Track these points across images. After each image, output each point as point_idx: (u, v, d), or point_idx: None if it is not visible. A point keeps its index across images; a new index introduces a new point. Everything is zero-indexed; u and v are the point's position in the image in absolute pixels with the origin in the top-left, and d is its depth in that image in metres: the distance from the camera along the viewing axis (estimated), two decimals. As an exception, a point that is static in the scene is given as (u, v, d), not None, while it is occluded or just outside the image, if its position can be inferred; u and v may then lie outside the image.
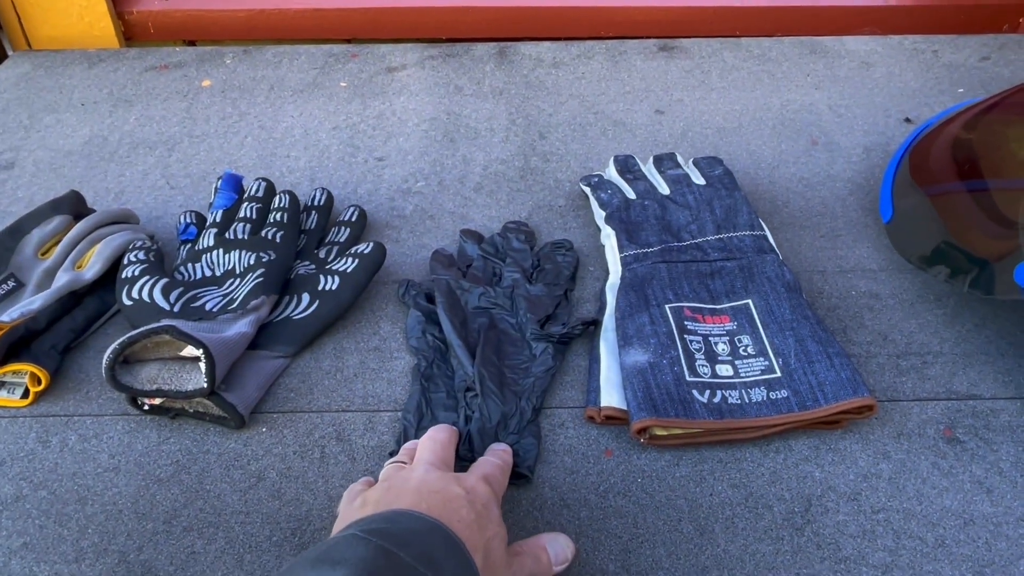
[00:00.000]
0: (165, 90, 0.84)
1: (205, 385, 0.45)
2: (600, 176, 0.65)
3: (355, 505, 0.38)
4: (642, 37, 0.94)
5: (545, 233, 0.64)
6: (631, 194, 0.62)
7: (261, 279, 0.53)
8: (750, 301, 0.53)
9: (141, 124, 0.78)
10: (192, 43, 1.00)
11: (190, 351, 0.46)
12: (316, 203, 0.63)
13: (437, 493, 0.37)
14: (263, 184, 0.61)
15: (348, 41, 0.97)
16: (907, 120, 0.77)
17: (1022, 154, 0.53)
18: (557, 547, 0.40)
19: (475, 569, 0.33)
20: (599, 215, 0.62)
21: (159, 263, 0.56)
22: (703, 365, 0.49)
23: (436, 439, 0.42)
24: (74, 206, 0.58)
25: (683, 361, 0.49)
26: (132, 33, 0.97)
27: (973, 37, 0.92)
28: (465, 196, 0.68)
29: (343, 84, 0.84)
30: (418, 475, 0.39)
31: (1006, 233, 0.50)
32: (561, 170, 0.71)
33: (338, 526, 0.38)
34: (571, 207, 0.67)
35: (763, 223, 0.59)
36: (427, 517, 0.35)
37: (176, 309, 0.51)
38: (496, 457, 0.43)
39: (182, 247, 0.59)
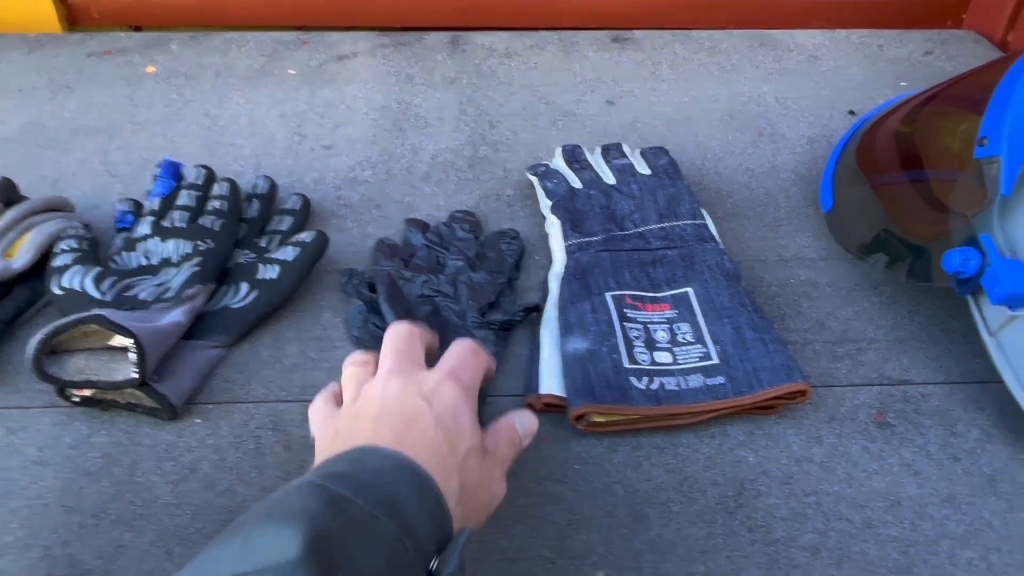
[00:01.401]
0: (108, 76, 0.82)
1: (135, 376, 0.45)
2: (547, 166, 0.65)
3: (328, 437, 0.37)
4: (595, 28, 0.94)
5: (492, 222, 0.64)
6: (577, 183, 0.63)
7: (198, 268, 0.52)
8: (690, 289, 0.54)
9: (82, 111, 0.76)
10: (138, 28, 0.97)
11: (119, 341, 0.45)
12: (258, 191, 0.62)
13: (399, 415, 0.35)
14: (203, 172, 0.60)
15: (300, 28, 0.96)
16: (851, 112, 0.78)
17: (954, 145, 0.54)
18: (524, 421, 0.40)
19: (444, 505, 0.32)
20: (545, 204, 0.62)
21: (93, 252, 0.54)
22: (642, 352, 0.50)
23: (395, 333, 0.40)
24: (3, 193, 0.57)
25: (622, 348, 0.49)
26: (75, 18, 0.95)
27: (917, 32, 0.93)
28: (413, 185, 0.68)
29: (292, 71, 0.83)
30: (378, 393, 0.37)
31: (937, 222, 0.51)
32: (510, 160, 0.71)
33: (317, 455, 0.37)
34: (519, 196, 0.67)
35: (705, 212, 0.60)
36: (391, 453, 0.33)
37: (108, 299, 0.50)
38: (468, 341, 0.41)
39: (118, 236, 0.58)
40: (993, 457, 0.47)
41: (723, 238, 0.62)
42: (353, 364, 0.41)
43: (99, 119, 0.75)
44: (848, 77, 0.85)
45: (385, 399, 0.37)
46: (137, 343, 0.44)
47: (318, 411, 0.40)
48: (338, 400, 0.41)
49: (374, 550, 0.29)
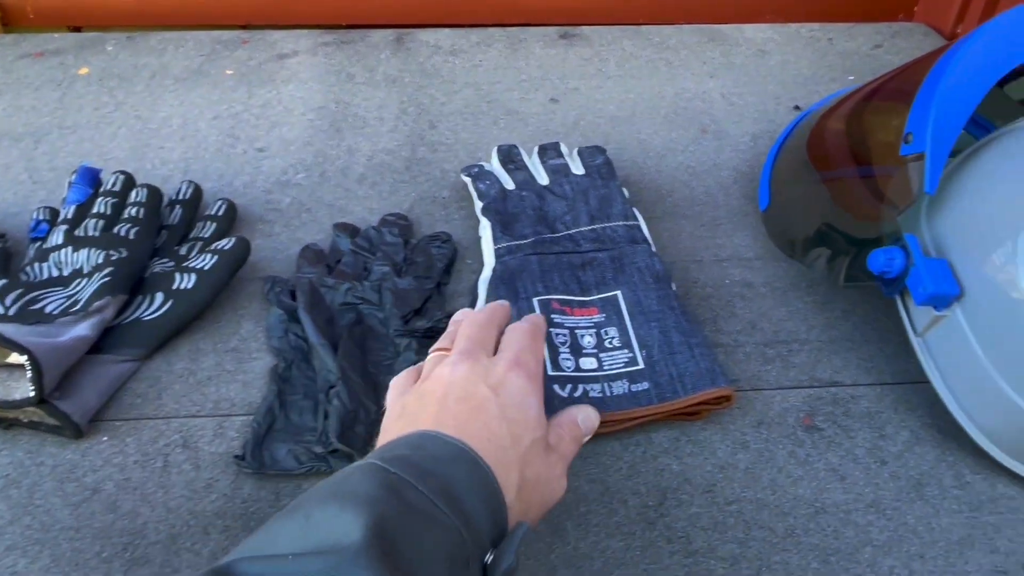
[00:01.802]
0: (38, 79, 0.79)
1: (32, 394, 0.43)
2: (481, 166, 0.64)
3: (395, 413, 0.37)
4: (545, 24, 0.92)
5: (426, 225, 0.63)
6: (510, 184, 0.61)
7: (108, 279, 0.50)
8: (619, 292, 0.52)
9: (8, 115, 0.74)
10: (78, 29, 0.95)
11: (16, 358, 0.43)
12: (182, 197, 0.60)
13: (463, 401, 0.35)
14: (120, 177, 0.58)
15: (243, 27, 0.94)
16: (796, 107, 0.77)
17: (889, 140, 0.53)
18: (585, 418, 0.39)
19: (502, 501, 0.32)
20: (478, 206, 0.61)
21: (2, 263, 0.52)
22: (567, 359, 0.48)
23: (473, 319, 0.40)
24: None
25: (546, 355, 0.48)
26: (10, 19, 0.92)
27: (868, 25, 0.93)
28: (346, 188, 0.66)
29: (229, 72, 0.81)
30: (446, 377, 0.36)
31: (869, 220, 0.50)
32: (448, 160, 0.70)
33: (382, 433, 0.37)
34: (454, 198, 0.65)
35: (637, 213, 0.59)
36: (453, 442, 0.33)
37: (12, 312, 0.48)
38: (526, 323, 0.40)
39: (31, 245, 0.56)
40: (921, 460, 0.47)
41: (659, 238, 0.61)
42: (437, 349, 0.40)
43: (26, 123, 0.73)
44: (796, 71, 0.84)
45: (452, 383, 0.36)
46: (32, 359, 0.42)
47: (396, 386, 0.40)
48: (419, 376, 0.40)
49: (433, 539, 0.29)
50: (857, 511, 0.44)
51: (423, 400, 0.36)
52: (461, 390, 0.36)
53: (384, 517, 0.28)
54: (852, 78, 0.83)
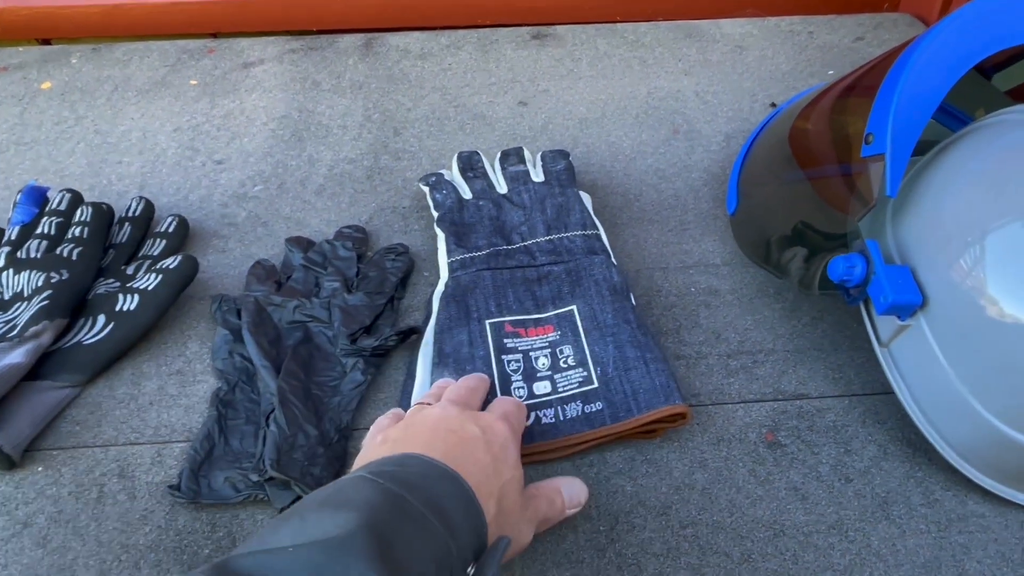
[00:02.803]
0: (0, 94, 0.78)
1: (-42, 426, 0.41)
2: (441, 175, 0.62)
3: (376, 442, 0.38)
4: (517, 25, 0.90)
5: (385, 236, 0.61)
6: (467, 194, 0.59)
7: (46, 302, 0.49)
8: (575, 307, 0.50)
9: (-34, 132, 0.73)
10: (47, 42, 0.94)
11: (-59, 389, 0.42)
12: (132, 214, 0.58)
13: (453, 433, 0.37)
14: (67, 196, 0.57)
15: (213, 36, 0.92)
16: (772, 105, 0.75)
17: (851, 140, 0.51)
18: (572, 490, 0.40)
19: (483, 518, 0.33)
20: (435, 216, 0.59)
21: (-60, 288, 0.51)
22: (520, 387, 0.47)
23: (463, 384, 0.43)
24: None
25: (497, 387, 0.46)
26: (-23, 33, 0.91)
27: (850, 17, 0.90)
28: (305, 200, 0.65)
29: (193, 82, 0.80)
30: (436, 413, 0.39)
31: (838, 222, 0.48)
32: (411, 168, 0.68)
33: (358, 461, 0.38)
34: (415, 208, 0.64)
35: (597, 221, 0.57)
36: (438, 463, 0.34)
37: (-55, 340, 0.47)
38: (512, 398, 0.44)
39: (-26, 268, 0.54)
40: (888, 476, 0.44)
41: (625, 245, 0.59)
42: (420, 403, 0.42)
43: (-17, 140, 0.72)
44: (774, 67, 0.81)
45: (443, 418, 0.38)
46: (-44, 391, 0.41)
47: (378, 423, 0.41)
48: (400, 418, 0.41)
49: (423, 543, 0.30)
50: (818, 533, 0.42)
51: (411, 430, 0.38)
52: (452, 423, 0.38)
53: (377, 519, 0.29)
54: (832, 72, 0.80)
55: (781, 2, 0.96)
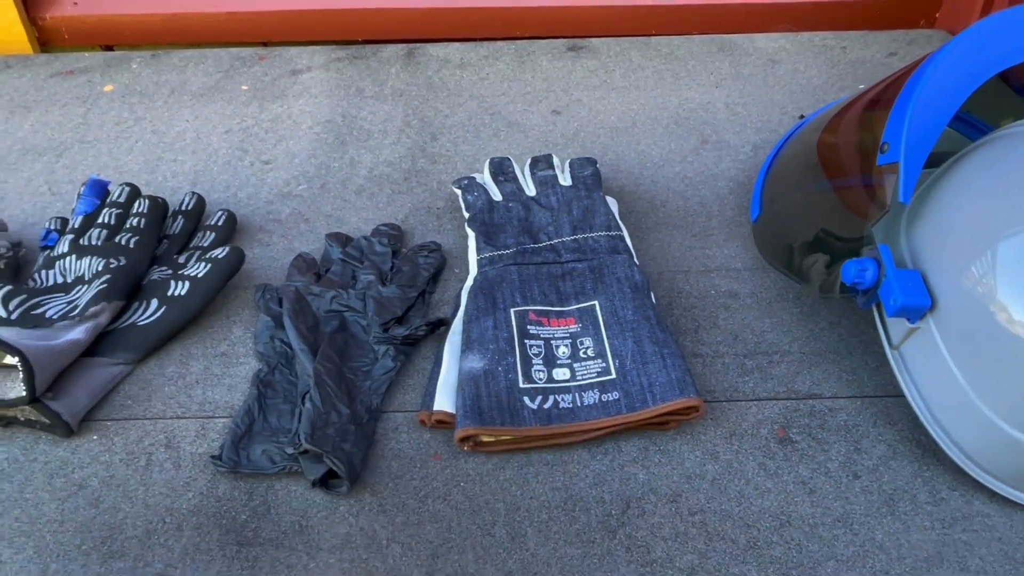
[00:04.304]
0: (66, 96, 0.83)
1: (24, 393, 0.45)
2: (472, 178, 0.65)
3: None
4: (554, 37, 0.93)
5: (419, 235, 0.64)
6: (497, 196, 0.62)
7: (105, 285, 0.53)
8: (597, 302, 0.53)
9: (35, 130, 0.78)
10: (109, 48, 0.99)
11: (10, 359, 0.46)
12: (184, 207, 0.62)
13: None
14: (126, 189, 0.61)
15: (264, 44, 0.97)
16: (801, 117, 0.77)
17: (869, 151, 0.52)
18: None
19: None
20: (466, 217, 0.62)
21: (10, 271, 0.56)
22: (539, 370, 0.49)
23: None
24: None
25: (519, 368, 0.49)
26: (47, 39, 0.97)
27: (884, 33, 0.91)
28: (345, 199, 0.68)
29: (244, 87, 0.84)
30: None
31: (852, 232, 0.50)
32: (446, 172, 0.71)
33: None
34: (448, 209, 0.67)
35: (621, 223, 0.59)
36: None
37: (14, 317, 0.51)
38: None
39: (41, 254, 0.59)
40: (896, 474, 0.46)
41: (648, 248, 0.61)
42: None
43: (50, 138, 0.77)
44: (805, 81, 0.83)
45: None
46: (23, 360, 0.45)
47: None
48: None
49: None
50: (824, 525, 0.43)
51: None
52: None
53: None
54: (862, 87, 0.81)
55: (815, 17, 0.97)
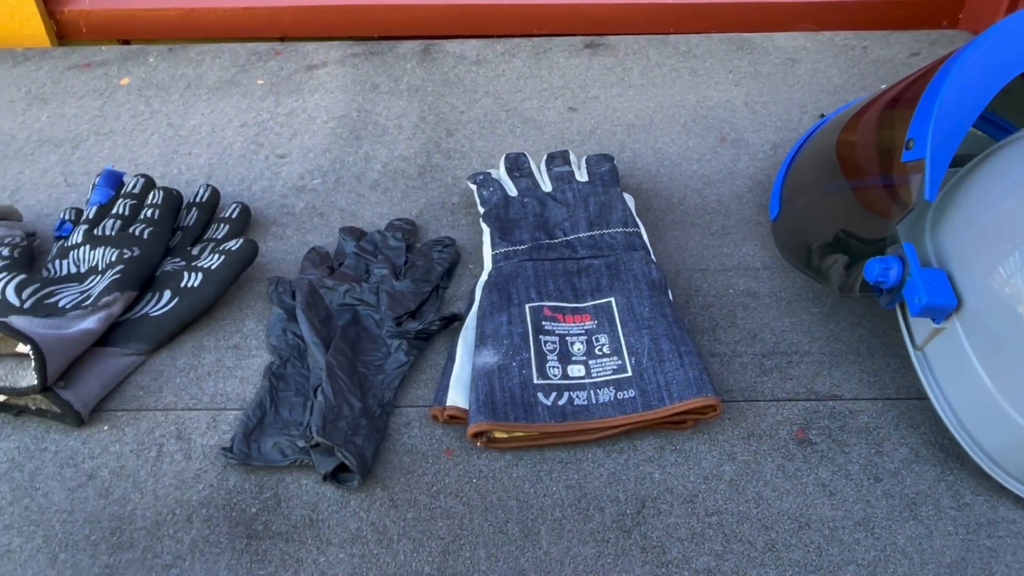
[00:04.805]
0: (83, 88, 0.84)
1: (36, 382, 0.45)
2: (488, 174, 0.64)
3: None
4: (572, 34, 0.93)
5: (433, 230, 0.64)
6: (513, 191, 0.62)
7: (118, 276, 0.53)
8: (613, 299, 0.52)
9: (52, 122, 0.78)
10: (127, 42, 1.00)
11: (23, 348, 0.45)
12: (199, 200, 0.62)
13: None
14: (141, 181, 0.61)
15: (280, 39, 0.97)
16: (822, 116, 0.75)
17: (894, 146, 0.51)
18: None
19: None
20: (481, 212, 0.61)
21: (24, 260, 0.55)
22: (554, 367, 0.48)
23: None
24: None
25: (533, 363, 0.48)
26: (65, 32, 0.98)
27: (906, 33, 0.90)
28: (359, 194, 0.68)
29: (260, 82, 0.84)
30: None
31: (874, 232, 0.49)
32: (461, 167, 0.71)
33: None
34: (463, 204, 0.66)
35: (638, 220, 0.58)
36: None
37: (27, 306, 0.51)
38: None
39: (55, 244, 0.59)
40: (919, 478, 0.45)
41: (666, 246, 0.60)
42: None
43: (67, 130, 0.77)
44: (825, 80, 0.82)
45: None
46: (36, 349, 0.44)
47: None
48: None
49: None
50: (844, 528, 0.42)
51: None
52: None
53: None
54: (884, 86, 0.80)
55: (836, 17, 0.96)
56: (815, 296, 0.56)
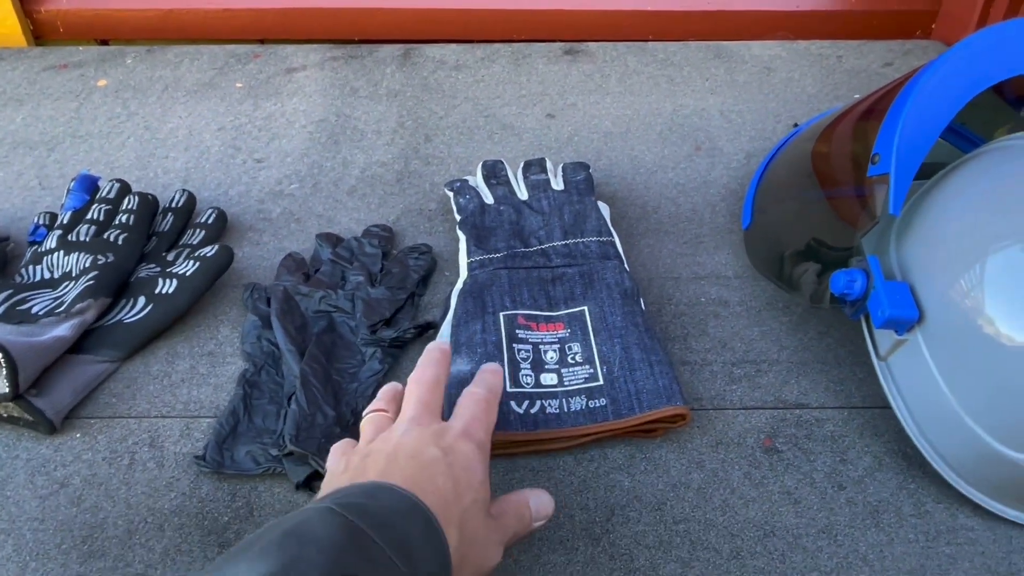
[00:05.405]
0: (59, 90, 0.83)
1: (7, 390, 0.45)
2: (465, 181, 0.65)
3: (338, 469, 0.37)
4: (551, 40, 0.93)
5: (410, 237, 0.64)
6: (489, 199, 0.62)
7: (92, 282, 0.52)
8: (586, 308, 0.53)
9: (27, 124, 0.78)
10: (105, 42, 0.99)
11: (-6, 355, 0.45)
12: (174, 205, 0.62)
13: (412, 459, 0.35)
14: (116, 185, 0.61)
15: (260, 42, 0.97)
16: (795, 125, 0.77)
17: (862, 162, 0.52)
18: (539, 502, 0.39)
19: (447, 553, 0.32)
20: (457, 220, 0.61)
21: (0, 265, 0.55)
22: (527, 375, 0.49)
23: (420, 381, 0.41)
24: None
25: (506, 372, 0.49)
26: (42, 32, 0.97)
27: (880, 43, 0.91)
28: (337, 199, 0.68)
29: (239, 85, 0.84)
30: (396, 437, 0.37)
31: (844, 242, 0.50)
32: (439, 174, 0.71)
33: (325, 486, 0.37)
34: (440, 211, 0.66)
35: (612, 229, 0.59)
36: (406, 493, 0.33)
37: (-1, 312, 0.51)
38: (482, 388, 0.41)
39: (29, 249, 0.58)
40: (881, 486, 0.46)
41: (639, 255, 0.61)
42: (373, 410, 0.41)
43: (42, 132, 0.76)
44: (800, 89, 0.83)
45: (402, 443, 0.37)
46: (7, 357, 0.44)
47: (336, 448, 0.40)
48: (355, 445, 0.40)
49: None
50: (808, 536, 0.43)
51: (370, 457, 0.36)
52: (411, 449, 0.36)
53: (343, 562, 0.29)
54: (857, 96, 0.81)
55: (812, 26, 0.97)
56: (785, 305, 0.57)
